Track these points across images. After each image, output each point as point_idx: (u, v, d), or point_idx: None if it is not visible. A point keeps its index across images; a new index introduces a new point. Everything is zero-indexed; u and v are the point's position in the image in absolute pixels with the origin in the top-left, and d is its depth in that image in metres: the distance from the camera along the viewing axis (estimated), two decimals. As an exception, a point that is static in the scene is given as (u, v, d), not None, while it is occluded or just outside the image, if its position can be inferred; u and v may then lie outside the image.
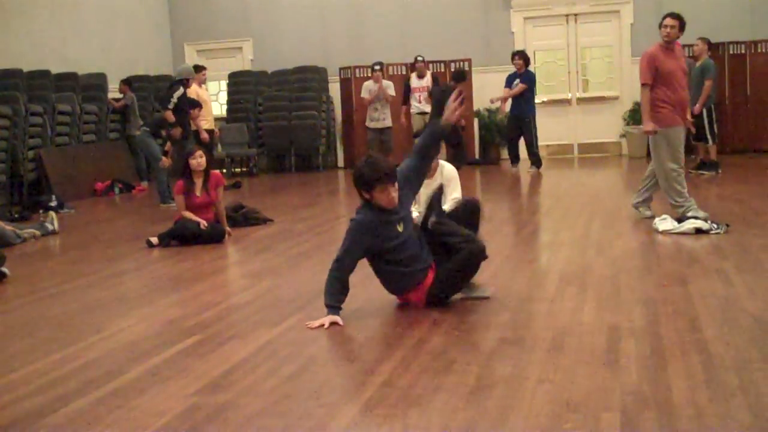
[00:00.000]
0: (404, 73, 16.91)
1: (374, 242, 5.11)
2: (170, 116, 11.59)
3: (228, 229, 8.65)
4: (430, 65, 16.19)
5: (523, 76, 14.36)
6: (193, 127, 12.77)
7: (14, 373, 4.34)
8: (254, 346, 4.58)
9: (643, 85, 8.27)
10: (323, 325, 4.88)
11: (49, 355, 4.62)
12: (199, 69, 13.47)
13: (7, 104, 12.83)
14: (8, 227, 9.18)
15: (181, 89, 11.72)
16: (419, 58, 14.98)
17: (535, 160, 14.31)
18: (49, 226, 9.46)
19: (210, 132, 13.30)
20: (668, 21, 8.30)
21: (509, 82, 14.46)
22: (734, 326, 4.51)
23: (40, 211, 12.00)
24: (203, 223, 8.35)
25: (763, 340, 4.26)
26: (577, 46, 17.11)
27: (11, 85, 13.53)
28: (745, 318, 4.67)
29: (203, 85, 13.70)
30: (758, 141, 15.79)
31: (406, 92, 15.08)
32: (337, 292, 5.10)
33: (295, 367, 4.18)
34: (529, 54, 17.18)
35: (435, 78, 15.12)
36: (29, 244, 8.96)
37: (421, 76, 14.89)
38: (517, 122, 14.36)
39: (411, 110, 15.07)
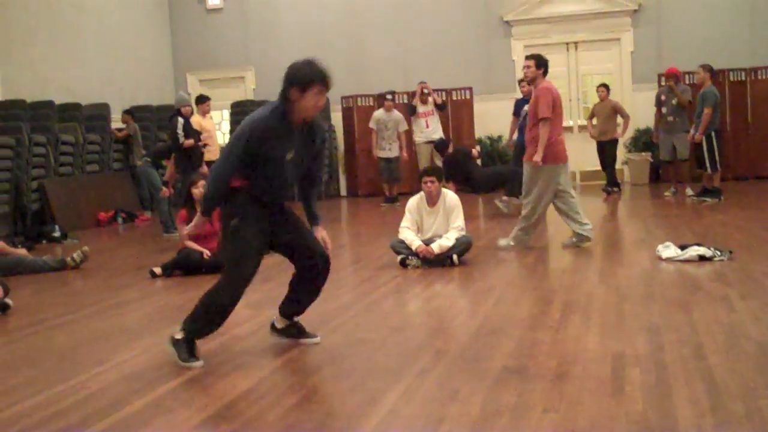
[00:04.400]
0: (406, 101, 16.97)
1: (264, 146, 4.76)
2: (189, 143, 11.56)
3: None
4: (409, 95, 16.20)
5: None
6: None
7: (17, 405, 4.32)
8: (257, 377, 4.57)
9: (547, 119, 8.53)
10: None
11: (52, 387, 4.60)
12: (203, 99, 13.38)
13: (11, 135, 12.89)
14: (27, 254, 9.50)
15: (180, 119, 11.68)
16: (425, 91, 14.66)
17: None
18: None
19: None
20: (525, 62, 8.89)
21: (519, 108, 14.24)
22: (739, 353, 4.50)
23: (43, 242, 12.03)
24: (206, 253, 8.35)
25: (768, 367, 4.25)
26: (578, 73, 17.20)
27: (14, 115, 13.58)
28: (749, 345, 4.66)
29: (207, 115, 13.64)
30: (760, 167, 15.81)
31: (412, 112, 14.84)
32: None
33: (298, 398, 4.16)
34: (530, 82, 17.29)
35: (437, 105, 14.87)
36: (31, 277, 8.95)
37: (424, 102, 14.72)
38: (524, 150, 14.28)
39: (415, 139, 14.83)
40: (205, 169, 12.55)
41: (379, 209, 14.35)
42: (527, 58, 8.88)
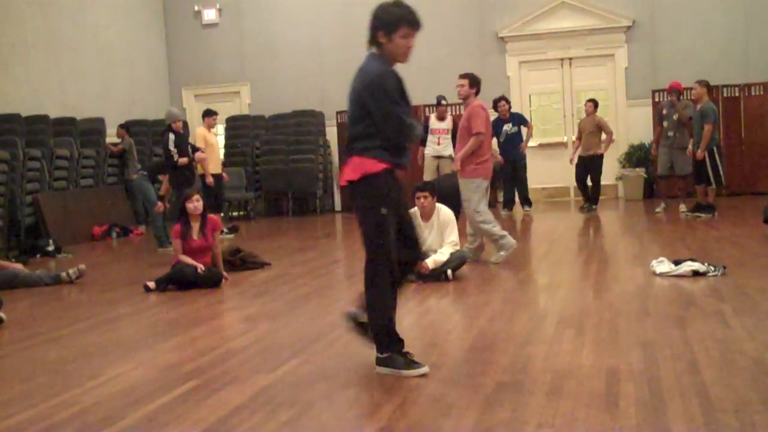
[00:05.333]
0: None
1: (401, 92, 4.71)
2: (185, 161, 11.56)
3: (225, 273, 8.64)
4: (426, 109, 16.24)
5: (516, 118, 14.49)
6: (200, 171, 12.82)
7: (10, 419, 4.31)
8: (252, 391, 4.56)
9: (482, 134, 8.86)
10: None
11: (45, 401, 4.59)
12: (210, 113, 13.73)
13: (6, 149, 12.88)
14: (23, 269, 9.47)
15: (172, 135, 11.68)
16: (443, 102, 14.23)
17: (528, 201, 14.67)
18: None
19: (218, 176, 13.37)
20: (458, 81, 9.02)
21: (499, 128, 14.39)
22: (733, 368, 4.50)
23: (37, 256, 12.02)
24: (200, 267, 8.34)
25: (762, 382, 4.25)
26: (572, 89, 17.25)
27: (9, 129, 13.59)
28: (743, 360, 4.66)
29: (212, 130, 13.82)
30: (754, 183, 15.86)
31: (424, 132, 14.47)
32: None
33: (292, 413, 4.15)
34: (525, 97, 17.40)
35: (456, 122, 14.70)
36: (25, 291, 8.93)
37: (441, 119, 14.28)
38: (512, 166, 14.51)
39: (426, 152, 14.69)
40: (213, 177, 12.72)
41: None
42: (461, 77, 9.07)
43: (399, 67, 4.86)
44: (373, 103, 4.64)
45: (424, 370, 4.68)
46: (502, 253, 8.89)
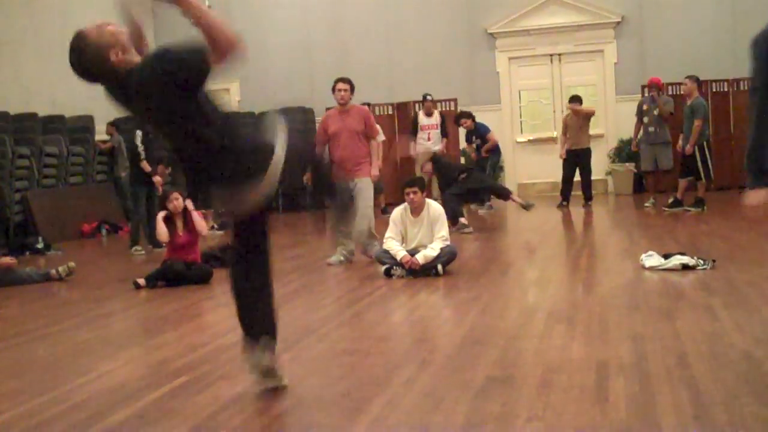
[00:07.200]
0: (390, 113, 17.01)
1: None
2: (146, 166, 11.57)
3: (203, 230, 8.70)
4: (416, 105, 16.25)
5: (481, 129, 14.64)
6: None
7: (0, 416, 4.30)
8: (242, 386, 4.55)
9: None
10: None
11: (35, 398, 4.58)
12: None
13: (-6, 147, 12.85)
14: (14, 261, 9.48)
15: (140, 132, 11.65)
16: (428, 97, 14.67)
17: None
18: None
19: None
20: (340, 86, 9.30)
21: (469, 141, 14.91)
22: (723, 362, 4.52)
23: (26, 253, 11.99)
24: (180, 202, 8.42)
25: (751, 375, 4.26)
26: (562, 85, 17.28)
27: (-2, 128, 13.56)
28: (733, 353, 4.67)
29: None
30: (743, 178, 15.71)
31: (414, 128, 14.91)
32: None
33: (284, 407, 4.16)
34: (515, 93, 17.46)
35: (443, 116, 14.95)
36: (15, 288, 8.90)
37: (429, 114, 14.63)
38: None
39: (417, 147, 14.82)
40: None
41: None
42: (343, 81, 9.36)
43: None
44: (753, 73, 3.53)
45: None
46: (341, 258, 9.12)
